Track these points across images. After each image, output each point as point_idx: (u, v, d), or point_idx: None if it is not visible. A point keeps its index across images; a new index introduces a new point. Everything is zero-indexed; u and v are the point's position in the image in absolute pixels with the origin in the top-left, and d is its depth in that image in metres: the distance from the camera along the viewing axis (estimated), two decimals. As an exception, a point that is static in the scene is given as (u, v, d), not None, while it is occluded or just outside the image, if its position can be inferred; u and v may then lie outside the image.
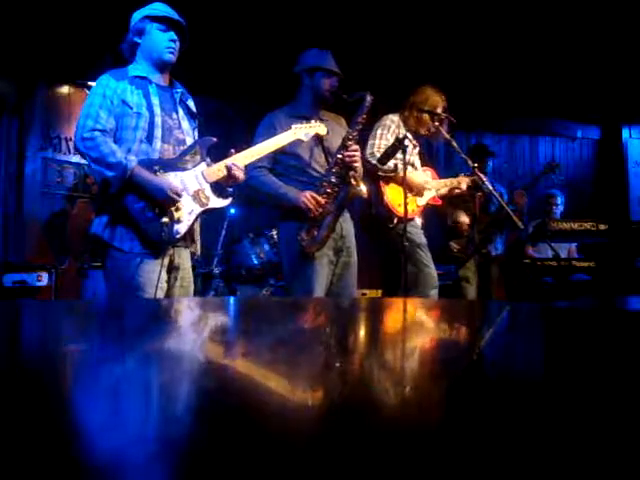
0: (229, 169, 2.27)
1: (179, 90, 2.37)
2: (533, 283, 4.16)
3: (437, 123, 3.24)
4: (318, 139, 2.77)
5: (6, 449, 0.30)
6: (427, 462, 0.29)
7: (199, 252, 2.43)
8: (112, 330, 0.88)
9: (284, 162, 2.76)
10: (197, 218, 2.26)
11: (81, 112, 2.19)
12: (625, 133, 6.90)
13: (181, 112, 2.35)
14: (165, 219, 2.15)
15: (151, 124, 2.21)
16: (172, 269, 2.28)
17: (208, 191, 2.27)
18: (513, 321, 1.03)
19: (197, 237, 2.39)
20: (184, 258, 2.33)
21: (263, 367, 0.57)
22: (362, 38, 4.60)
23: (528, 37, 4.81)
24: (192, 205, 2.23)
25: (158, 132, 2.23)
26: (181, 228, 2.19)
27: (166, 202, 2.14)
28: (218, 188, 2.31)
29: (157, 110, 2.25)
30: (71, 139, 4.92)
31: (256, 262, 4.24)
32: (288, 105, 2.86)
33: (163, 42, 2.26)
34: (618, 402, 0.41)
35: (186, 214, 2.21)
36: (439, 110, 3.27)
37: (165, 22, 2.26)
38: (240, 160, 2.32)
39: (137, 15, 2.31)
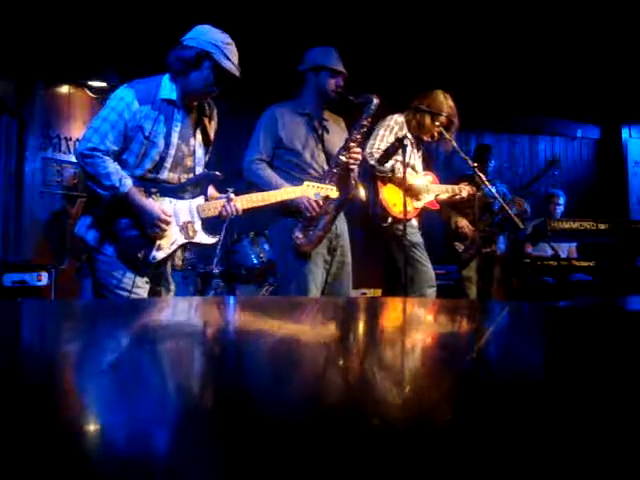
0: (222, 211, 2.25)
1: (204, 116, 2.30)
2: (533, 283, 4.16)
3: (437, 123, 3.23)
4: (319, 138, 2.76)
5: (8, 447, 0.30)
6: (428, 461, 0.29)
7: (172, 288, 2.43)
8: (112, 330, 0.87)
9: (283, 157, 2.75)
10: (178, 249, 2.26)
11: (93, 121, 2.13)
12: (625, 133, 6.90)
13: (199, 138, 2.30)
14: (146, 242, 2.15)
15: (163, 155, 2.17)
16: (157, 273, 2.30)
17: (197, 225, 2.26)
18: (513, 320, 1.03)
19: (169, 269, 2.36)
20: (166, 265, 2.34)
21: (263, 367, 0.57)
22: (364, 37, 4.59)
23: (528, 37, 4.80)
24: (177, 235, 2.22)
25: (168, 163, 2.19)
26: (159, 255, 2.19)
27: (151, 228, 2.14)
28: (208, 225, 2.30)
29: (174, 139, 2.19)
30: (71, 139, 4.93)
31: (256, 262, 4.24)
32: (292, 101, 2.85)
33: (209, 89, 2.18)
34: (618, 401, 0.41)
35: (168, 243, 2.20)
36: (444, 118, 3.24)
37: (223, 75, 2.16)
38: (241, 203, 2.29)
39: (206, 37, 2.15)
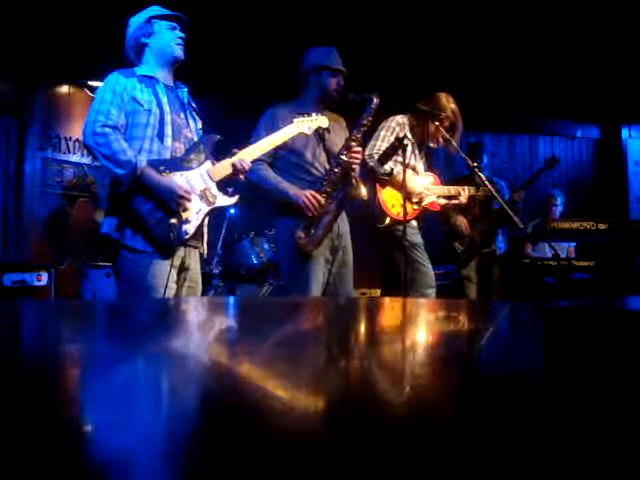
0: (235, 167, 2.27)
1: (184, 89, 2.38)
2: (533, 282, 4.16)
3: (437, 123, 3.21)
4: (320, 138, 2.76)
5: (8, 449, 0.30)
6: (428, 462, 0.29)
7: (206, 252, 2.43)
8: (112, 330, 0.88)
9: (285, 158, 2.75)
10: (205, 217, 2.26)
11: (91, 108, 2.18)
12: (625, 133, 6.90)
13: (189, 112, 2.36)
14: (173, 220, 2.14)
15: (161, 121, 2.21)
16: (182, 270, 2.28)
17: (214, 189, 2.27)
18: (513, 320, 1.03)
19: (205, 237, 2.39)
20: (193, 259, 2.33)
21: (265, 367, 0.57)
22: (365, 37, 4.59)
23: (528, 37, 4.81)
24: (199, 204, 2.22)
25: (169, 130, 2.22)
26: (190, 228, 2.19)
27: (176, 202, 2.13)
28: (224, 186, 2.32)
29: (166, 108, 2.25)
30: (71, 139, 4.92)
31: (256, 262, 4.24)
32: (292, 101, 2.84)
33: (173, 39, 2.29)
34: (618, 402, 0.41)
35: (194, 214, 2.20)
36: (444, 118, 3.21)
37: (172, 20, 2.30)
38: (246, 156, 2.32)
39: (138, 19, 2.32)
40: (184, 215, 2.17)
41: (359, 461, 0.29)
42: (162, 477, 0.28)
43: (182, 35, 2.31)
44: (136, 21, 2.32)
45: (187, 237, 2.19)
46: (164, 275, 2.15)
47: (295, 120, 2.50)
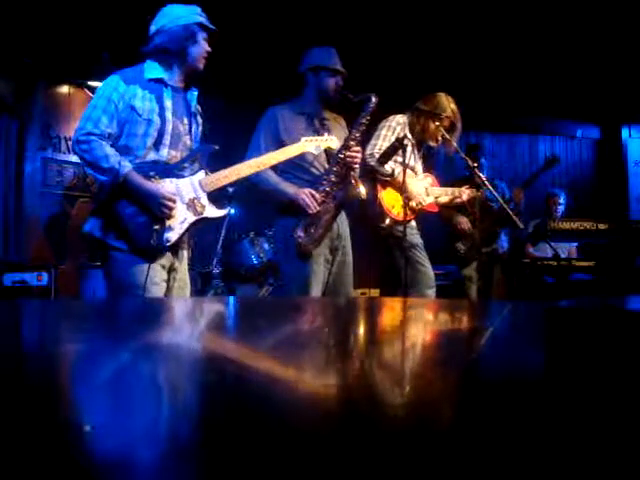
0: (227, 185, 2.27)
1: (195, 93, 2.33)
2: (533, 282, 4.16)
3: (437, 123, 3.21)
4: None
5: (8, 448, 0.30)
6: (428, 461, 0.29)
7: (187, 255, 2.42)
8: (112, 330, 0.88)
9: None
10: (190, 227, 2.22)
11: (84, 113, 2.15)
12: (625, 133, 6.90)
13: (192, 117, 2.32)
14: (156, 226, 2.12)
15: (161, 131, 2.17)
16: (171, 270, 2.27)
17: (204, 200, 2.23)
18: (514, 320, 1.03)
19: (190, 243, 2.38)
20: (181, 259, 2.32)
21: (264, 366, 0.57)
22: (365, 37, 4.59)
23: (528, 37, 4.80)
24: (185, 213, 2.19)
25: (167, 139, 2.18)
26: (172, 236, 2.16)
27: (158, 209, 2.11)
28: (215, 198, 2.28)
29: (169, 116, 2.20)
30: (71, 139, 4.92)
31: (256, 262, 4.24)
32: (292, 102, 2.85)
33: (204, 53, 2.24)
34: (618, 401, 0.41)
35: (178, 222, 2.17)
36: (445, 118, 3.21)
37: (209, 34, 2.24)
38: (245, 170, 2.28)
39: (184, 13, 2.20)
40: (168, 222, 2.14)
41: (359, 461, 0.29)
42: (163, 473, 0.28)
43: (209, 50, 2.26)
44: (180, 15, 2.20)
45: (168, 244, 2.16)
46: (151, 272, 2.14)
47: (303, 139, 2.48)
